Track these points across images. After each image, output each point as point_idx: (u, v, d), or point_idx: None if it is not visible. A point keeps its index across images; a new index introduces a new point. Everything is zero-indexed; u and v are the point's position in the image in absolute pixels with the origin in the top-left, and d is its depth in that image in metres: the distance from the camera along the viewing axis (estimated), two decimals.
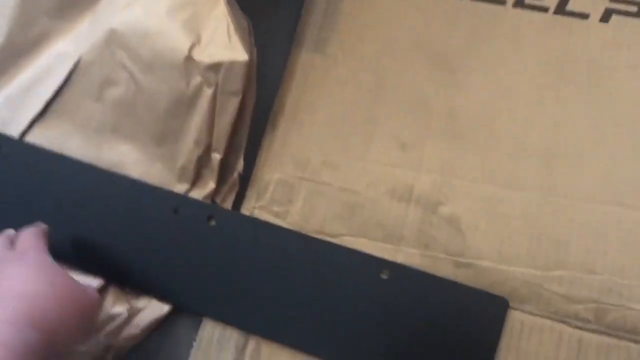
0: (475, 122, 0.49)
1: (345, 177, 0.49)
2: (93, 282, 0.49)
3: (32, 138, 0.54)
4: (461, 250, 0.46)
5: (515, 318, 0.44)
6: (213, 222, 0.49)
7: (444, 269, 0.46)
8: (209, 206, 0.50)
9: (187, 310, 0.49)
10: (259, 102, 0.51)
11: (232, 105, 0.49)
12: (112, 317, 0.48)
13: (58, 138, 0.54)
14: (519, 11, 0.51)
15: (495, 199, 0.47)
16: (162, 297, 0.49)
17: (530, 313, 0.44)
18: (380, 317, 0.45)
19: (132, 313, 0.48)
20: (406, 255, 0.47)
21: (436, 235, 0.47)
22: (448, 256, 0.46)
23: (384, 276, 0.46)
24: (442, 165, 0.49)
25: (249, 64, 0.47)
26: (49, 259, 0.41)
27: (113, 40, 0.50)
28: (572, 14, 0.50)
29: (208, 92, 0.49)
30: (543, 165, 0.47)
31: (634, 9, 0.49)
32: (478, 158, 0.48)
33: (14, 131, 0.54)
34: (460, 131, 0.49)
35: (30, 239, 0.43)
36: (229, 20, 0.48)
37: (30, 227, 0.45)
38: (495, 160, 0.48)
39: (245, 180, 0.51)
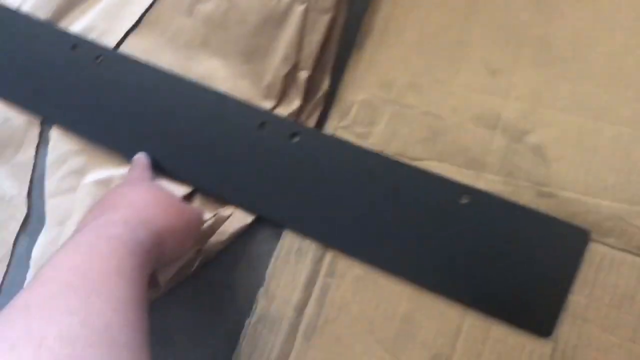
0: (569, 50, 0.48)
1: (431, 101, 0.49)
2: (179, 190, 0.52)
3: (126, 48, 0.56)
4: (545, 179, 0.46)
5: (595, 250, 0.44)
6: (296, 139, 0.50)
7: (526, 198, 0.46)
8: (293, 124, 0.51)
9: (269, 221, 0.51)
10: (346, 20, 0.51)
11: (322, 23, 0.49)
12: None
13: (150, 50, 0.56)
14: None
15: (585, 130, 0.46)
16: (246, 208, 0.51)
17: (611, 246, 0.44)
18: (458, 241, 0.46)
19: (218, 221, 0.50)
20: (488, 182, 0.47)
21: (520, 164, 0.47)
22: (531, 185, 0.46)
23: (464, 201, 0.46)
24: (532, 93, 0.47)
25: None
26: (155, 184, 0.47)
27: None
28: None
29: (299, 8, 0.49)
30: (638, 97, 0.45)
31: None
32: (570, 87, 0.47)
33: (110, 41, 0.56)
34: (553, 59, 0.48)
35: (138, 170, 0.49)
36: None
37: (137, 159, 0.51)
38: (588, 91, 0.46)
39: (329, 99, 0.52)
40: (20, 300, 0.28)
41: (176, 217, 0.41)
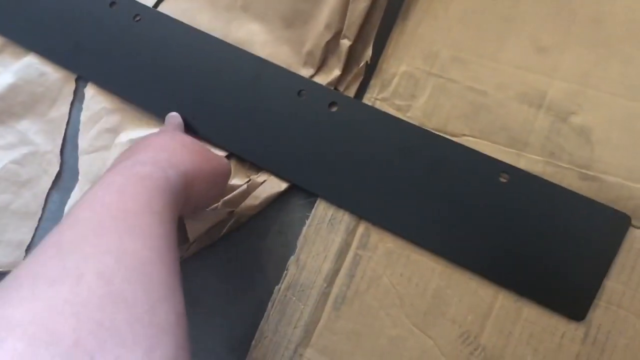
0: (621, 31, 0.46)
1: (475, 76, 0.48)
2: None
3: (165, 8, 0.55)
4: (588, 162, 0.45)
5: (635, 236, 0.43)
6: (335, 109, 0.50)
7: (567, 180, 0.45)
8: (332, 92, 0.50)
9: (303, 189, 0.50)
10: None
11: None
12: (232, 188, 0.50)
13: (189, 11, 0.55)
14: None
15: (634, 114, 0.45)
16: (280, 175, 0.51)
17: None
18: (495, 220, 0.45)
19: (252, 186, 0.50)
20: (529, 162, 0.46)
21: (563, 145, 0.46)
22: (573, 167, 0.45)
23: (503, 180, 0.45)
24: (580, 73, 0.46)
25: None
26: (182, 133, 0.47)
27: None
28: None
29: None
30: None
31: None
32: (620, 69, 0.46)
33: (149, 1, 0.55)
34: (604, 39, 0.46)
35: (170, 128, 0.50)
36: None
37: (170, 117, 0.51)
38: (639, 73, 0.45)
39: (369, 70, 0.51)
40: (52, 241, 0.28)
41: (204, 162, 0.41)
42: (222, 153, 0.52)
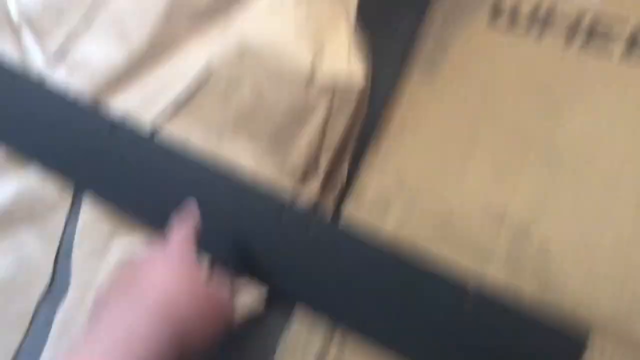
0: (574, 155, 0.52)
1: (441, 196, 0.53)
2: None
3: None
4: (548, 275, 0.49)
5: (595, 345, 0.46)
6: (311, 231, 0.53)
7: (529, 292, 0.48)
8: (310, 215, 0.54)
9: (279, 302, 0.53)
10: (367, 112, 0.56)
11: (342, 124, 0.54)
12: None
13: (183, 130, 0.59)
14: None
15: (587, 232, 0.49)
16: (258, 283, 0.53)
17: (612, 343, 0.46)
18: (460, 342, 0.48)
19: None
20: (493, 273, 0.49)
21: (524, 258, 0.49)
22: (534, 279, 0.49)
23: (467, 306, 0.48)
24: (537, 192, 0.51)
25: (363, 90, 0.52)
26: (194, 266, 0.42)
27: (243, 48, 0.56)
28: None
29: (323, 108, 0.54)
30: (637, 203, 0.49)
31: None
32: (573, 190, 0.51)
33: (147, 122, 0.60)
34: (558, 161, 0.52)
35: (180, 240, 0.44)
36: (350, 41, 0.53)
37: (183, 223, 0.47)
38: (590, 194, 0.50)
39: (345, 187, 0.56)
40: None
41: (206, 315, 0.39)
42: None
